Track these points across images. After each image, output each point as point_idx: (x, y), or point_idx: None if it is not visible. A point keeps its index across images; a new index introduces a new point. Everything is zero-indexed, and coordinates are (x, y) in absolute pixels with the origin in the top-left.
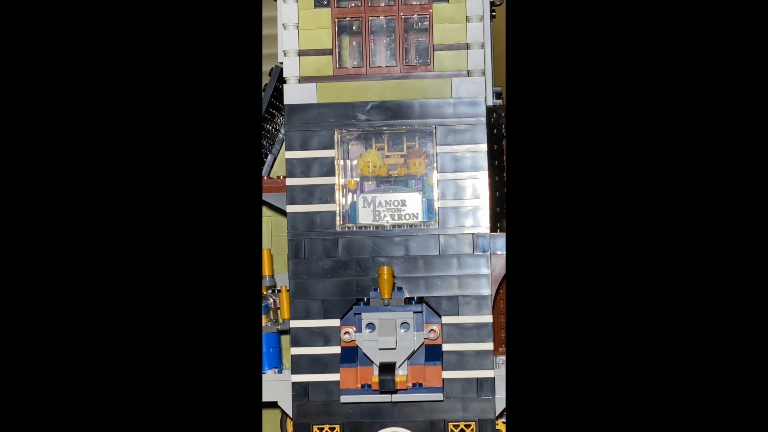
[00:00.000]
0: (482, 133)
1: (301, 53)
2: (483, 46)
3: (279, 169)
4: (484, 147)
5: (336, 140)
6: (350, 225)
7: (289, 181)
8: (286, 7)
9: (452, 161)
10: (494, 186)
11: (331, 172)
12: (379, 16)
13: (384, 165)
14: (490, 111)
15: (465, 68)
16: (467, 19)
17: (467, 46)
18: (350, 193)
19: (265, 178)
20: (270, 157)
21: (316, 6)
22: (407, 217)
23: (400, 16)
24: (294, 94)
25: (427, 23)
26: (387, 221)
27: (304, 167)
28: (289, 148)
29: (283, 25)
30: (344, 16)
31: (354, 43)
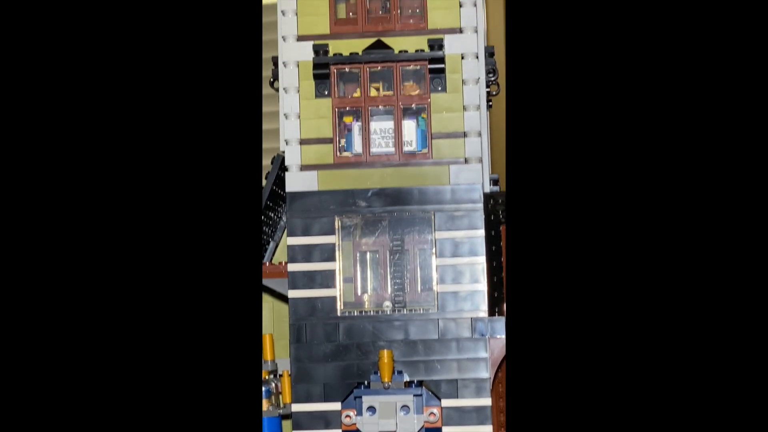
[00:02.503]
0: (480, 219)
1: (303, 142)
2: (480, 135)
3: (281, 255)
4: (481, 233)
5: (337, 227)
6: (347, 154)
7: (291, 267)
8: (288, 98)
9: (451, 246)
10: (492, 271)
11: (332, 258)
12: (378, 106)
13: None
14: (488, 197)
15: (462, 156)
16: (464, 108)
17: (464, 135)
18: (346, 128)
19: (267, 264)
20: (272, 244)
21: (317, 96)
22: (405, 144)
23: (398, 105)
24: (296, 181)
25: (425, 112)
26: (382, 148)
27: (306, 253)
28: (290, 235)
29: (284, 114)
30: (344, 105)
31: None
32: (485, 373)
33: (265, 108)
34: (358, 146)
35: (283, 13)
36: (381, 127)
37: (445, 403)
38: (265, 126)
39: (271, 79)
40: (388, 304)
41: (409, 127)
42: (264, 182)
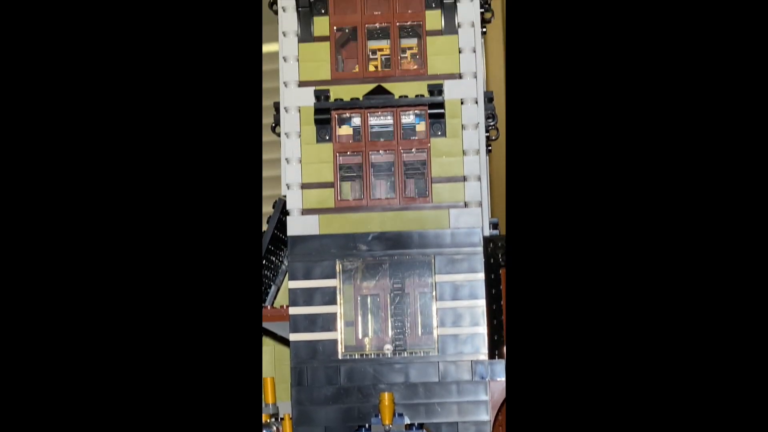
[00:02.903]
0: (479, 263)
1: (304, 186)
2: (479, 179)
3: (282, 299)
4: (481, 276)
5: (338, 270)
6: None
7: (292, 310)
8: (290, 143)
9: (451, 290)
10: (491, 314)
11: (333, 301)
12: (378, 151)
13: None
14: (487, 241)
15: (462, 200)
16: (464, 153)
17: (464, 179)
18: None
19: (269, 307)
20: (273, 288)
21: (318, 141)
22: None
23: (399, 150)
24: (297, 225)
25: (425, 157)
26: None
27: (307, 297)
28: (292, 278)
29: (286, 159)
30: (345, 150)
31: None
32: (485, 415)
33: (266, 155)
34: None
35: (284, 59)
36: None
37: None
38: (266, 173)
39: (273, 125)
40: (388, 347)
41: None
42: (265, 227)
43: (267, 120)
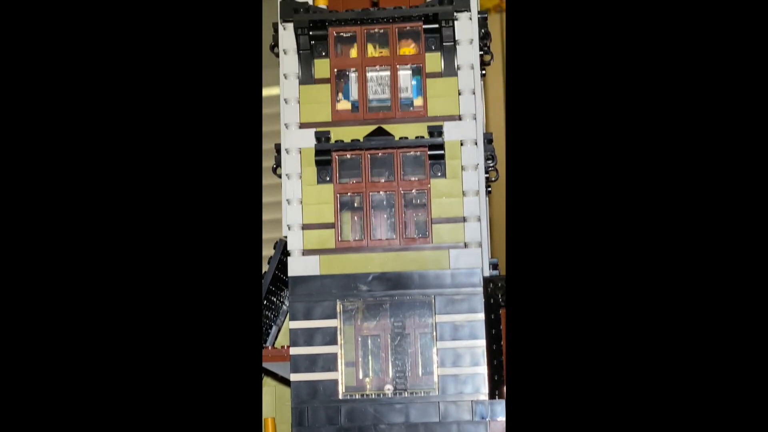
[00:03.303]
0: (479, 303)
1: (305, 227)
2: (479, 220)
3: (283, 339)
4: (481, 316)
5: (338, 310)
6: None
7: (293, 351)
8: (290, 184)
9: (451, 330)
10: (491, 354)
11: (333, 341)
12: (379, 192)
13: (375, 51)
14: (487, 281)
15: (462, 240)
16: (464, 194)
17: (464, 220)
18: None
19: (270, 348)
20: (274, 328)
21: (319, 182)
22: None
23: (399, 191)
24: (298, 266)
25: (425, 198)
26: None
27: (308, 337)
28: (293, 318)
29: (287, 200)
30: (346, 191)
31: (355, 218)
32: None
33: (266, 198)
34: (354, 93)
35: (285, 101)
36: (377, 75)
37: None
38: (266, 216)
39: (274, 166)
40: (389, 387)
41: (405, 76)
42: (266, 268)
43: (267, 163)
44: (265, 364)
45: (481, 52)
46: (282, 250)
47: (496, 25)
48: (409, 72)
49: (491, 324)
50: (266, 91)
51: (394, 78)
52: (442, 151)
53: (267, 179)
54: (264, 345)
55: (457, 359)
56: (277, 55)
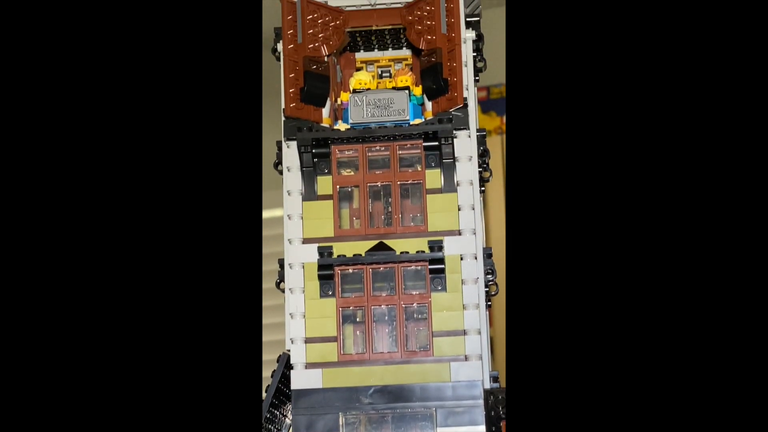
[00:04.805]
0: (480, 415)
1: (308, 341)
2: (479, 333)
3: None
4: (482, 428)
5: (341, 423)
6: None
7: None
8: (293, 298)
9: None
10: None
11: None
12: (381, 305)
13: (373, 81)
14: (488, 393)
15: (463, 353)
16: (464, 307)
17: (465, 332)
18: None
19: None
20: None
21: (321, 296)
22: (394, 113)
23: (400, 305)
24: (301, 379)
25: (426, 311)
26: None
27: None
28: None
29: (290, 314)
30: (348, 305)
31: (357, 331)
32: None
33: (267, 302)
34: (355, 116)
35: (289, 217)
36: (376, 97)
37: None
38: (266, 320)
39: (278, 280)
40: None
41: (401, 97)
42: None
43: (267, 285)
44: None
45: (481, 169)
46: (285, 363)
47: (497, 146)
48: (405, 94)
49: None
50: (268, 213)
51: (395, 194)
52: (442, 266)
53: (267, 300)
54: None
55: None
56: (281, 173)
